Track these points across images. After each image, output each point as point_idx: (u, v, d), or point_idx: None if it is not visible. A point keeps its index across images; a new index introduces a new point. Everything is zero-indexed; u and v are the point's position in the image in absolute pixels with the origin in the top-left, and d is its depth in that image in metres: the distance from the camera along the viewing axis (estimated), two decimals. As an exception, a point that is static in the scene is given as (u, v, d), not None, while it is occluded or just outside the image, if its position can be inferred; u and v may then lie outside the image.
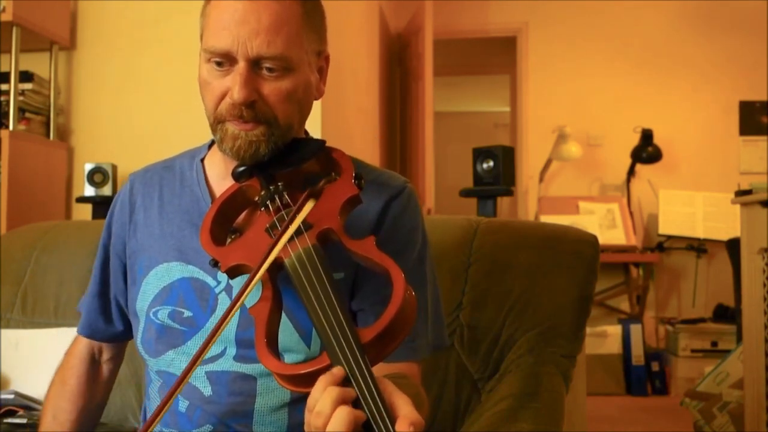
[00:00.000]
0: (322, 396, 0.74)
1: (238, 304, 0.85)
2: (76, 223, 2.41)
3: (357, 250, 0.87)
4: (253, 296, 0.91)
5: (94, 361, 1.19)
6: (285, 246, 0.88)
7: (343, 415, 0.72)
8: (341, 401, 0.73)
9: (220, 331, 0.83)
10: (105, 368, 1.21)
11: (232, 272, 0.93)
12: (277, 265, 0.89)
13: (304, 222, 0.90)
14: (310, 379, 0.78)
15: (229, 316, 0.84)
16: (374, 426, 0.73)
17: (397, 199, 1.06)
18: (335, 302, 0.82)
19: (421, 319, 1.02)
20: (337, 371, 0.76)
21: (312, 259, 0.86)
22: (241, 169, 0.99)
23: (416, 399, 0.79)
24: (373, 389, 0.75)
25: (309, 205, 0.91)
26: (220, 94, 0.96)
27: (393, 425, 0.73)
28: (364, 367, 0.76)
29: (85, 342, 1.19)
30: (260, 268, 0.86)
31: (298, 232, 0.89)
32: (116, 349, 1.22)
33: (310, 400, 0.76)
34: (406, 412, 0.73)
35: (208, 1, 0.99)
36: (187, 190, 1.09)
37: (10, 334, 1.75)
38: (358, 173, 0.95)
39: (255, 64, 0.94)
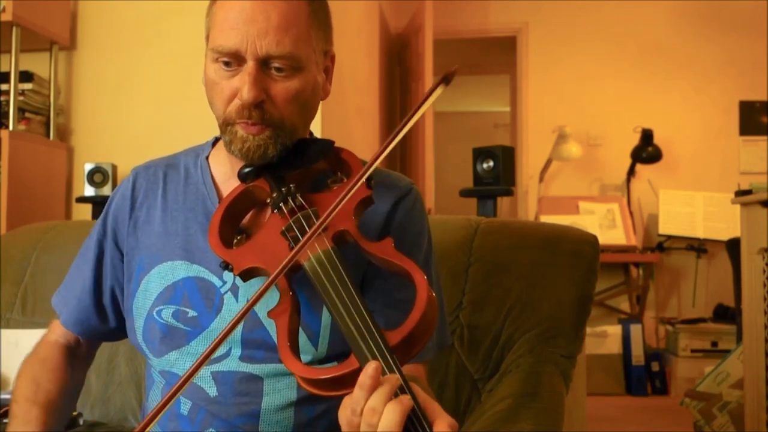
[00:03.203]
0: (373, 394, 0.74)
1: (251, 307, 0.83)
2: (76, 223, 2.40)
3: (375, 252, 0.87)
4: (270, 299, 0.91)
5: (71, 349, 1.14)
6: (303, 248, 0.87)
7: (397, 408, 0.73)
8: (390, 397, 0.74)
9: (229, 332, 0.81)
10: (79, 361, 1.16)
11: (246, 275, 0.92)
12: (295, 268, 0.88)
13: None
14: (336, 382, 0.78)
15: (241, 318, 0.82)
16: (412, 428, 0.74)
17: (405, 200, 1.06)
18: (361, 305, 0.82)
19: None
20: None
21: (333, 262, 0.86)
22: (248, 169, 0.98)
23: None
24: (408, 391, 0.75)
25: (344, 201, 0.88)
26: (229, 95, 0.95)
27: (431, 427, 0.74)
28: (396, 369, 0.77)
29: (61, 333, 1.14)
30: (280, 273, 0.84)
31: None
32: (90, 348, 1.17)
33: (353, 401, 0.76)
34: (441, 415, 0.75)
35: (215, 1, 0.98)
36: (192, 188, 1.08)
37: (10, 334, 1.75)
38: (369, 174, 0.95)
39: (264, 63, 0.93)
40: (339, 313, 0.82)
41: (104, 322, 1.13)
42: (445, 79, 0.85)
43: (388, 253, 0.86)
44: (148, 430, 0.76)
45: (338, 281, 0.84)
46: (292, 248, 0.88)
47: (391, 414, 0.72)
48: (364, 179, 0.88)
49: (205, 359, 0.80)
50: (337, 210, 0.86)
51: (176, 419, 1.01)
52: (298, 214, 0.92)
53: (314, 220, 0.91)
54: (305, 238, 0.86)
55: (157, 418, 0.77)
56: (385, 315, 0.96)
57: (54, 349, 1.13)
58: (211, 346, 0.80)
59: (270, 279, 0.84)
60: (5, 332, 1.75)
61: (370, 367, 0.75)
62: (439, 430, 0.74)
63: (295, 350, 0.84)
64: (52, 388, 1.07)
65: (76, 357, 1.15)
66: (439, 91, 0.86)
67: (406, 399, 0.74)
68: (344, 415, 0.77)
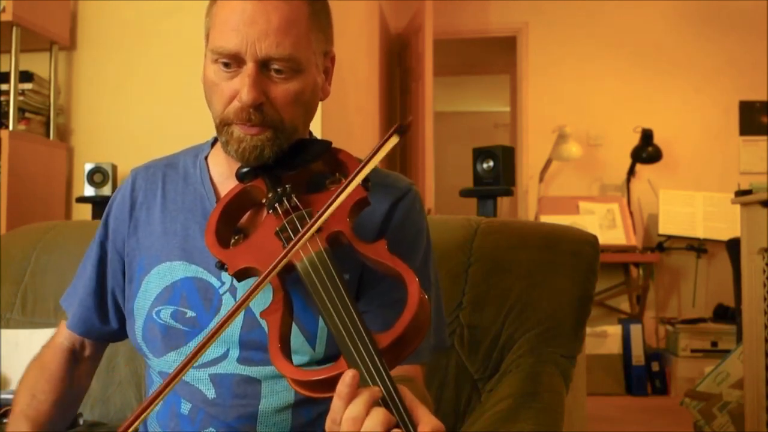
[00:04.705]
0: (354, 401, 0.73)
1: (242, 307, 0.83)
2: (76, 223, 2.41)
3: (369, 253, 0.86)
4: (263, 300, 0.90)
5: (75, 354, 1.15)
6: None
7: (379, 416, 0.72)
8: (372, 404, 0.73)
9: (220, 332, 0.81)
10: (84, 364, 1.17)
11: (241, 275, 0.92)
12: (288, 268, 0.88)
13: None
14: (327, 384, 0.78)
15: (231, 318, 0.82)
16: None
17: (403, 201, 1.05)
18: (351, 307, 0.81)
19: None
20: (376, 391, 0.75)
21: (325, 263, 0.85)
22: (246, 169, 0.98)
23: (425, 404, 0.79)
24: (394, 394, 0.75)
25: (330, 210, 0.88)
26: (228, 97, 0.95)
27: (415, 430, 0.73)
28: (384, 372, 0.76)
29: (66, 335, 1.15)
30: (271, 273, 0.84)
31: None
32: (98, 349, 1.18)
33: (332, 410, 0.75)
34: (427, 419, 0.74)
35: (215, 1, 0.98)
36: (190, 189, 1.08)
37: (10, 334, 1.75)
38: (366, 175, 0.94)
39: (263, 65, 0.93)
40: (329, 314, 0.81)
41: (105, 323, 1.14)
42: (399, 130, 0.86)
43: (381, 255, 0.86)
44: (134, 426, 0.76)
45: (329, 282, 0.84)
46: (285, 248, 0.88)
47: (372, 423, 0.72)
48: (333, 207, 0.87)
49: (194, 357, 0.79)
50: (322, 219, 0.86)
51: (176, 418, 1.01)
52: (293, 215, 0.92)
53: (308, 220, 0.90)
54: (297, 239, 0.86)
55: (143, 417, 0.77)
56: (382, 316, 0.95)
57: (56, 354, 1.14)
58: (199, 346, 0.80)
59: (261, 279, 0.84)
60: (5, 332, 1.75)
61: (348, 376, 0.74)
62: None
63: (286, 351, 0.84)
64: (46, 400, 1.09)
65: (80, 361, 1.16)
66: (393, 141, 0.87)
67: (379, 411, 0.73)
68: (326, 423, 0.77)
